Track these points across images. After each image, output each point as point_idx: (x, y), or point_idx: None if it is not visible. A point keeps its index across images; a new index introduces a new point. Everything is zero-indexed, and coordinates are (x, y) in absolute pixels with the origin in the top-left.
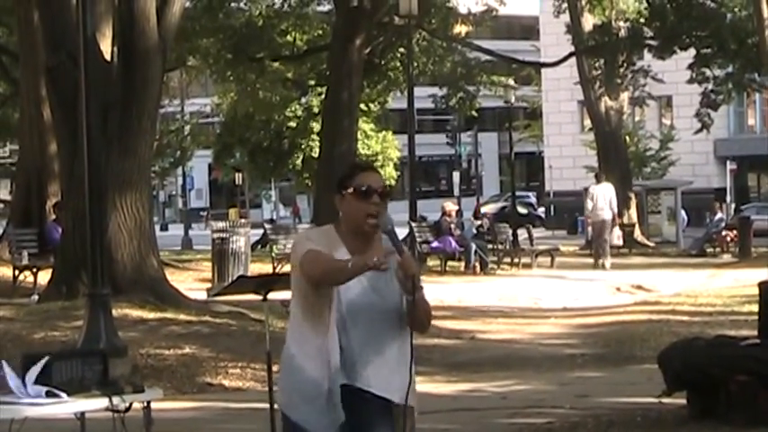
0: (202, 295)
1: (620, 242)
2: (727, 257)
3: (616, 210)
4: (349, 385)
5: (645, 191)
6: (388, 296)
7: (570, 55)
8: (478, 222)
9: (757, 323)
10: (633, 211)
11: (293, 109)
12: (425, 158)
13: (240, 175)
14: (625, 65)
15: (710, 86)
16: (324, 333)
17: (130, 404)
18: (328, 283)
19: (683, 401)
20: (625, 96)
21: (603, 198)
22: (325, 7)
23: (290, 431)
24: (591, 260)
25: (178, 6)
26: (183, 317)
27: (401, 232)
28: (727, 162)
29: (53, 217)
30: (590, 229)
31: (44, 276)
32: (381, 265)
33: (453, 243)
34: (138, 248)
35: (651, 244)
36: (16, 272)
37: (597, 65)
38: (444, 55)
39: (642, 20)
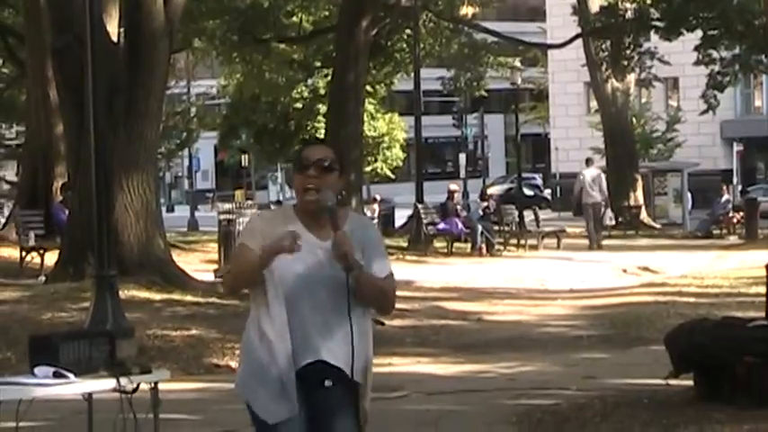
0: (209, 276)
1: (612, 222)
2: (733, 239)
3: (606, 193)
4: (306, 367)
5: (651, 172)
6: (335, 272)
7: (576, 36)
8: (485, 204)
9: (764, 304)
10: (639, 193)
11: (299, 90)
12: (432, 140)
13: (246, 156)
14: (632, 46)
15: (717, 68)
16: (273, 316)
17: (138, 385)
18: (244, 286)
19: (690, 383)
20: (631, 78)
21: (593, 181)
22: None
23: (256, 423)
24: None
25: None
26: (189, 298)
27: (406, 213)
28: (734, 144)
29: (60, 198)
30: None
31: (51, 258)
32: (292, 249)
33: (460, 225)
34: (145, 230)
35: (657, 226)
36: (23, 253)
37: (604, 46)
38: (451, 37)
39: (649, 1)
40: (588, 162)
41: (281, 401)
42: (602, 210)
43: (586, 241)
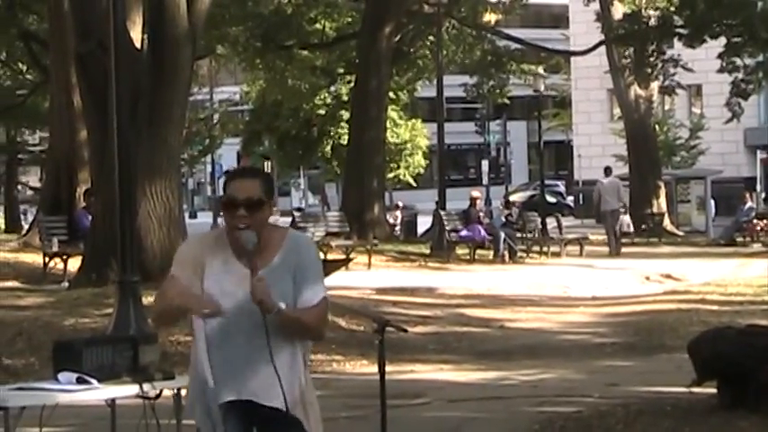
0: None
1: (630, 229)
2: (757, 247)
3: (624, 200)
4: (231, 403)
5: (674, 180)
6: (245, 308)
7: (600, 43)
8: (507, 211)
9: None
10: (662, 201)
11: (322, 97)
12: (454, 147)
13: (269, 162)
14: (655, 53)
15: (741, 75)
16: (198, 350)
17: (161, 391)
18: (169, 323)
19: (713, 391)
20: (655, 85)
21: (612, 190)
22: None
23: None
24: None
25: None
26: None
27: (428, 220)
28: (757, 151)
29: (83, 204)
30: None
31: (74, 263)
32: (210, 316)
33: (482, 232)
34: (168, 236)
35: (680, 233)
36: (46, 259)
37: (627, 53)
38: (474, 43)
39: (672, 8)
40: (606, 171)
41: (208, 422)
42: (620, 217)
43: (608, 248)
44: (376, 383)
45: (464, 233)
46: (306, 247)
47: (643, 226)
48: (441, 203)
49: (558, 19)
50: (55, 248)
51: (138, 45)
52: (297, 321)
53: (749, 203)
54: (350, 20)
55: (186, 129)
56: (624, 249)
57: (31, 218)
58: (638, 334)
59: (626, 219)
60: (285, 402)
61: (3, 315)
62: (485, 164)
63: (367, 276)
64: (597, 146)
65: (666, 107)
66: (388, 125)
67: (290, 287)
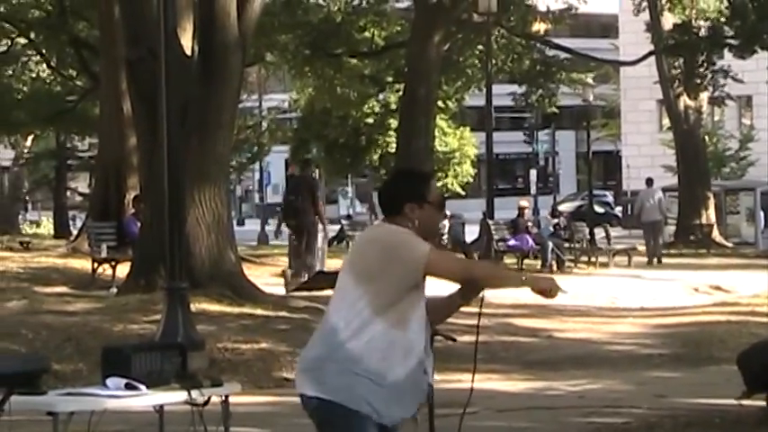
0: (279, 290)
1: (671, 240)
2: None
3: (665, 212)
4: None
5: (723, 191)
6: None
7: (649, 54)
8: (555, 221)
9: None
10: (711, 212)
11: (371, 105)
12: (503, 156)
13: (317, 170)
14: (705, 64)
15: None
16: (404, 330)
17: (209, 398)
18: (489, 285)
19: (763, 403)
20: (704, 96)
21: (653, 200)
22: (404, 4)
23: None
24: (668, 260)
25: (258, 2)
26: (259, 311)
27: (474, 230)
28: None
29: (132, 210)
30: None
31: (122, 269)
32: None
33: (530, 241)
34: (216, 243)
35: (729, 244)
36: (95, 265)
37: (676, 64)
38: (523, 53)
39: (722, 19)
40: (648, 182)
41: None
42: (662, 228)
43: (647, 258)
44: None
45: (512, 243)
46: None
47: (692, 237)
48: (489, 213)
49: (608, 29)
50: (104, 254)
51: (188, 52)
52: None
53: None
54: (399, 28)
55: (235, 136)
56: (672, 260)
57: (79, 224)
58: (686, 345)
59: (667, 230)
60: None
61: (51, 320)
62: (533, 173)
63: None
64: (646, 156)
65: (716, 118)
66: (436, 134)
67: None
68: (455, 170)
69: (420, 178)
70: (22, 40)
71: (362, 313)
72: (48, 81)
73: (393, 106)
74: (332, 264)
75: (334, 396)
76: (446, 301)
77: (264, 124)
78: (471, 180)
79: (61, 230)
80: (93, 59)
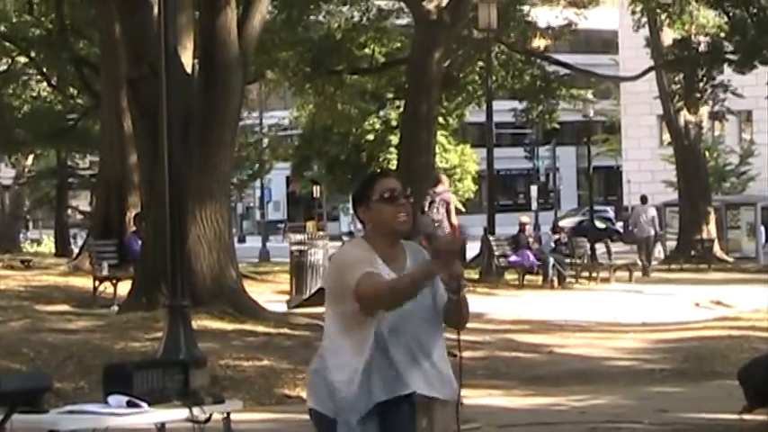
0: (281, 307)
1: (662, 256)
2: None
3: (658, 228)
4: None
5: (724, 206)
6: (420, 299)
7: (649, 69)
8: (556, 236)
9: None
10: (712, 227)
11: (371, 122)
12: (503, 172)
13: (318, 187)
14: (705, 79)
15: None
16: (362, 354)
17: (210, 415)
18: (394, 306)
19: (765, 418)
20: (704, 111)
21: (647, 216)
22: (404, 20)
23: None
24: (669, 275)
25: (258, 19)
26: (261, 328)
27: (475, 246)
28: None
29: (133, 228)
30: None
31: (124, 287)
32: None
33: (531, 257)
34: (218, 260)
35: (730, 259)
36: (96, 283)
37: (676, 79)
38: (523, 69)
39: (722, 34)
40: (642, 199)
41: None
42: (654, 243)
43: (660, 275)
44: None
45: (513, 258)
46: (420, 251)
47: (693, 252)
48: (490, 229)
49: (608, 44)
50: (105, 272)
51: (189, 70)
52: (467, 301)
53: None
54: (399, 45)
55: (236, 153)
56: (674, 275)
57: (80, 242)
58: (687, 360)
59: (659, 246)
60: (459, 387)
61: (53, 338)
62: (534, 189)
63: None
64: (646, 171)
65: (716, 133)
66: (437, 150)
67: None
68: (456, 186)
69: (365, 181)
70: (23, 59)
71: (330, 331)
72: (48, 99)
73: (394, 123)
74: None
75: (322, 407)
76: (447, 304)
77: (265, 141)
78: (472, 196)
79: (62, 249)
80: (93, 78)
